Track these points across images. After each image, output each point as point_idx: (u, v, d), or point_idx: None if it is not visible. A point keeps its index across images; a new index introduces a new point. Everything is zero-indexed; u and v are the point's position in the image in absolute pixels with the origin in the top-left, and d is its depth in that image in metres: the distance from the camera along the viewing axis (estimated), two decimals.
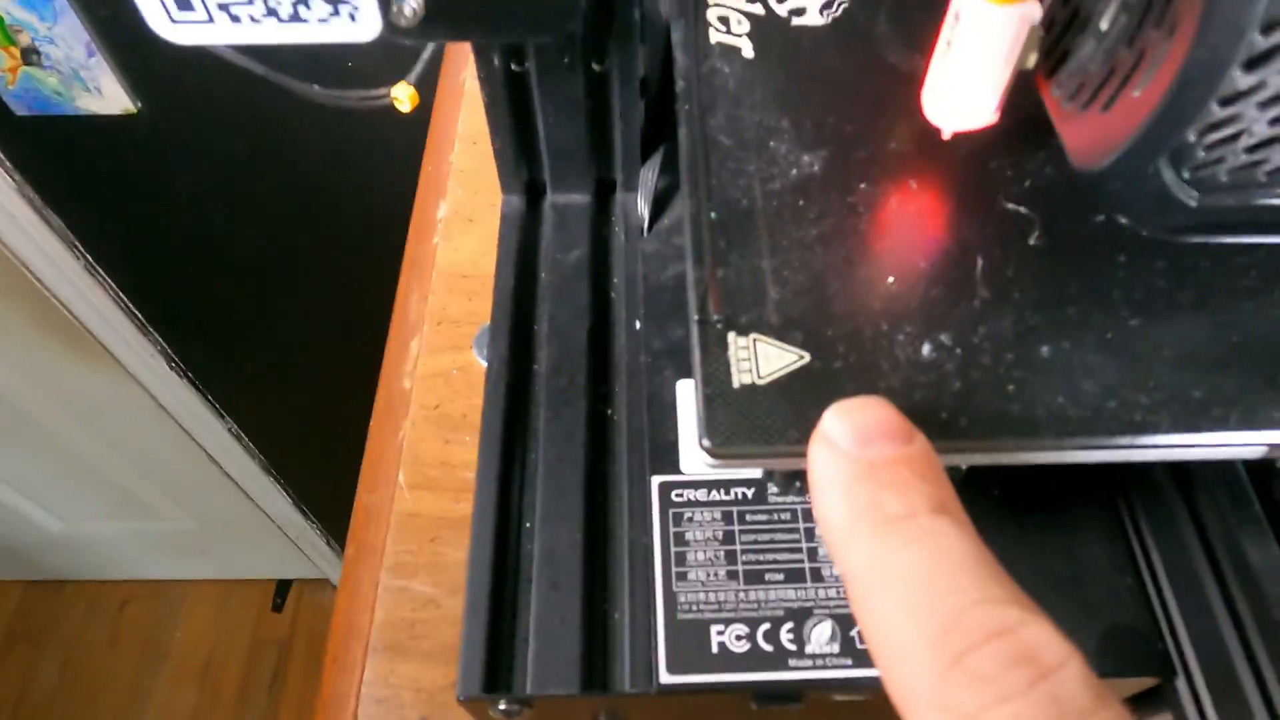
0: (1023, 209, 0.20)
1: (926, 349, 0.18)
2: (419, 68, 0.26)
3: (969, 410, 0.17)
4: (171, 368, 1.05)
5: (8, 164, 0.76)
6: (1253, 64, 0.14)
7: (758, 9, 0.24)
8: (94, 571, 1.54)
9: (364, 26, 0.19)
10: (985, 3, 0.16)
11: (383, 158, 0.65)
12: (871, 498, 0.14)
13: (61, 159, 0.77)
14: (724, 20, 0.24)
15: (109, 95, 0.70)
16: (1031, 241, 0.19)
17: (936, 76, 0.19)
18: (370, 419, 0.35)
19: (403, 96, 0.26)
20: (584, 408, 0.25)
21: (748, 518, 0.23)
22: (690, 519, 0.23)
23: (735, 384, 0.17)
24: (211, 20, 0.19)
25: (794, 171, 0.20)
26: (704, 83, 0.22)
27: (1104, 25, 0.16)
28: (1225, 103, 0.15)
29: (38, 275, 0.88)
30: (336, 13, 0.19)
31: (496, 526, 0.23)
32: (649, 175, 0.29)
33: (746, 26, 0.23)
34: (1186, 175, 0.16)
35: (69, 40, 0.65)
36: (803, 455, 0.16)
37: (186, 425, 1.16)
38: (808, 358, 0.18)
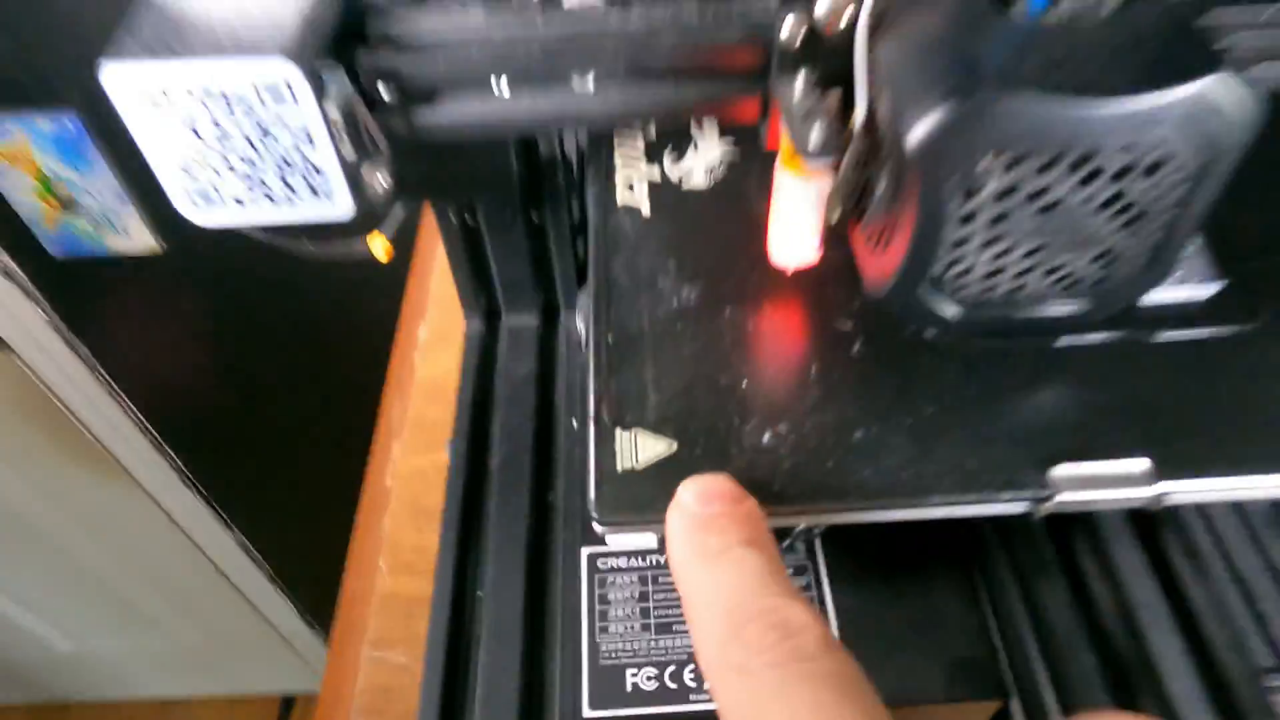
0: (849, 326, 0.25)
1: (767, 437, 0.23)
2: (395, 223, 0.33)
3: (796, 482, 0.22)
4: (183, 481, 1.10)
5: (41, 300, 0.83)
6: (965, 220, 0.20)
7: (655, 175, 0.30)
8: (99, 691, 1.54)
9: (339, 204, 0.25)
10: (792, 178, 0.23)
11: (374, 286, 0.72)
12: (702, 540, 0.19)
13: (91, 293, 0.84)
14: (629, 185, 0.30)
15: (136, 236, 0.77)
16: (854, 351, 0.25)
17: (771, 228, 0.25)
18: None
19: (378, 248, 0.32)
20: (528, 494, 0.31)
21: (660, 580, 0.28)
22: (612, 582, 0.28)
23: (619, 468, 0.23)
24: (224, 206, 0.25)
25: (675, 302, 0.26)
26: (610, 234, 0.28)
27: (880, 191, 0.22)
28: (954, 246, 0.21)
29: (62, 399, 0.95)
30: (316, 195, 0.25)
31: (453, 595, 0.28)
32: (585, 299, 0.35)
33: (646, 189, 0.30)
34: (945, 297, 0.22)
35: (104, 191, 0.73)
36: (664, 520, 0.21)
37: (195, 537, 1.21)
38: (676, 446, 0.23)
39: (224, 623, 1.40)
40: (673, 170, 0.30)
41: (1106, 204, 0.19)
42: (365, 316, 0.75)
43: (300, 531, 1.25)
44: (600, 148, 0.31)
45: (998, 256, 0.21)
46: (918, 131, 0.18)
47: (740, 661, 0.17)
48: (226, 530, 1.21)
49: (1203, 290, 0.26)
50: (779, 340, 0.25)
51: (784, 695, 0.16)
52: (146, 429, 1.01)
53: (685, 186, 0.30)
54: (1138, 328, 0.25)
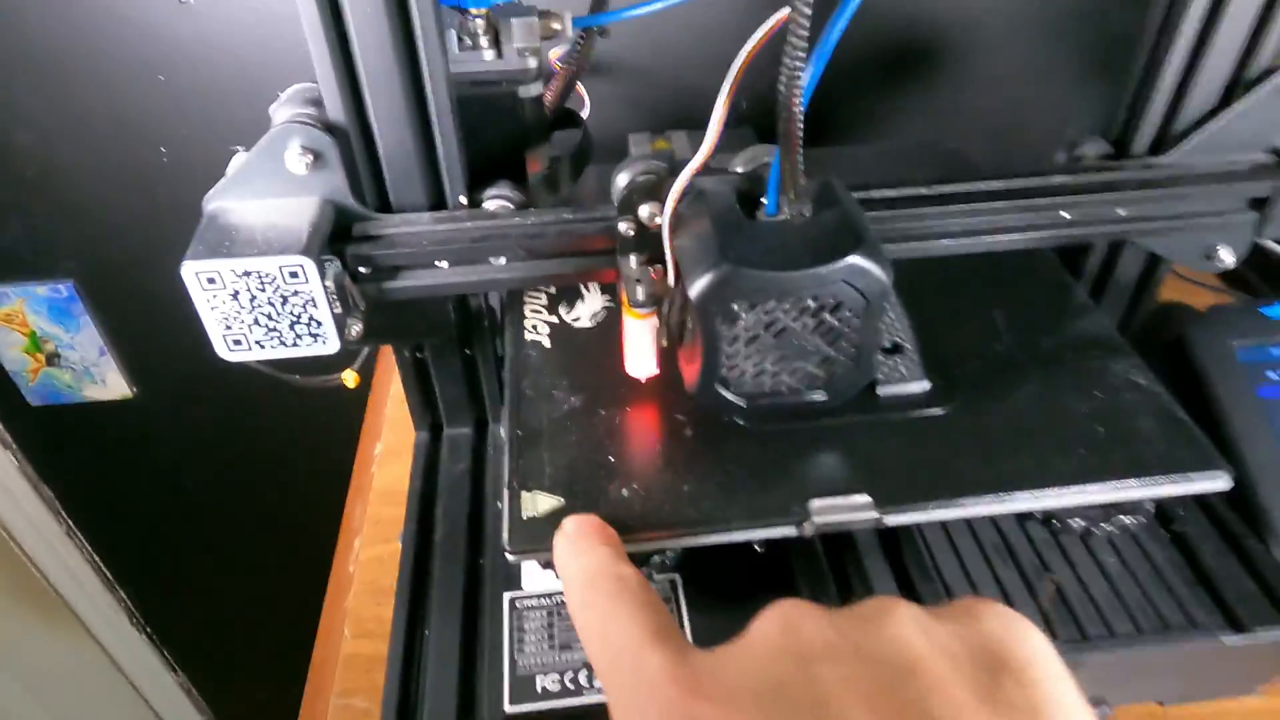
0: (683, 417, 0.37)
1: (625, 492, 0.34)
2: (361, 359, 0.44)
3: (644, 520, 0.33)
4: (131, 622, 1.13)
5: (14, 447, 0.91)
6: (732, 341, 0.32)
7: (554, 319, 0.42)
8: None
9: (330, 345, 0.36)
10: (631, 319, 0.35)
11: (336, 413, 0.82)
12: (575, 546, 0.30)
13: (63, 438, 0.92)
14: (535, 326, 0.42)
15: (111, 384, 0.87)
16: (688, 433, 0.36)
17: (624, 352, 0.37)
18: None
19: (348, 378, 0.43)
20: (464, 559, 0.41)
21: (562, 613, 0.38)
22: (528, 617, 0.38)
23: (524, 516, 0.33)
24: (250, 349, 0.36)
25: (565, 407, 0.38)
26: (519, 362, 0.40)
27: (689, 325, 0.34)
28: (730, 358, 0.33)
29: (19, 542, 1.00)
30: (315, 339, 0.36)
31: (407, 631, 0.38)
32: (507, 413, 0.46)
33: (547, 329, 0.42)
34: (733, 392, 0.34)
35: (86, 345, 0.83)
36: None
37: (138, 682, 1.22)
38: (564, 501, 0.34)
39: None
40: (567, 315, 0.42)
41: (816, 329, 0.32)
42: (317, 456, 0.84)
43: (245, 675, 1.27)
44: (515, 300, 0.43)
45: (758, 364, 0.33)
46: (695, 289, 0.31)
47: (592, 600, 0.27)
48: (171, 672, 1.23)
49: (919, 386, 0.38)
50: (636, 429, 0.37)
51: (616, 613, 0.26)
52: (100, 569, 1.06)
53: (576, 326, 0.42)
54: (878, 411, 0.37)
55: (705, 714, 0.22)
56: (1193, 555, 0.40)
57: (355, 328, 0.38)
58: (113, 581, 1.09)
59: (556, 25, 0.40)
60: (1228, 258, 0.41)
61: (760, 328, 0.32)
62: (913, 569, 0.37)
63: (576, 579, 0.28)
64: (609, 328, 0.42)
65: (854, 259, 0.30)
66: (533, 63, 0.39)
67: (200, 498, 1.01)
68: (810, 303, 0.31)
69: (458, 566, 0.40)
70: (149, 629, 1.16)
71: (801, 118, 0.30)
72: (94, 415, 0.90)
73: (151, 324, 0.84)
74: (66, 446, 0.93)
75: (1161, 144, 0.40)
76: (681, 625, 0.38)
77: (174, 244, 0.84)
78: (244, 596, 1.15)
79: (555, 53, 0.50)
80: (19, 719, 1.25)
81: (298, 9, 0.33)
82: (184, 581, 1.13)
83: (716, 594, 0.39)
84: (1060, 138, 0.78)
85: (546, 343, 0.41)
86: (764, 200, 0.33)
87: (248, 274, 0.34)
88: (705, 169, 0.33)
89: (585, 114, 0.57)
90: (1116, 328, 0.48)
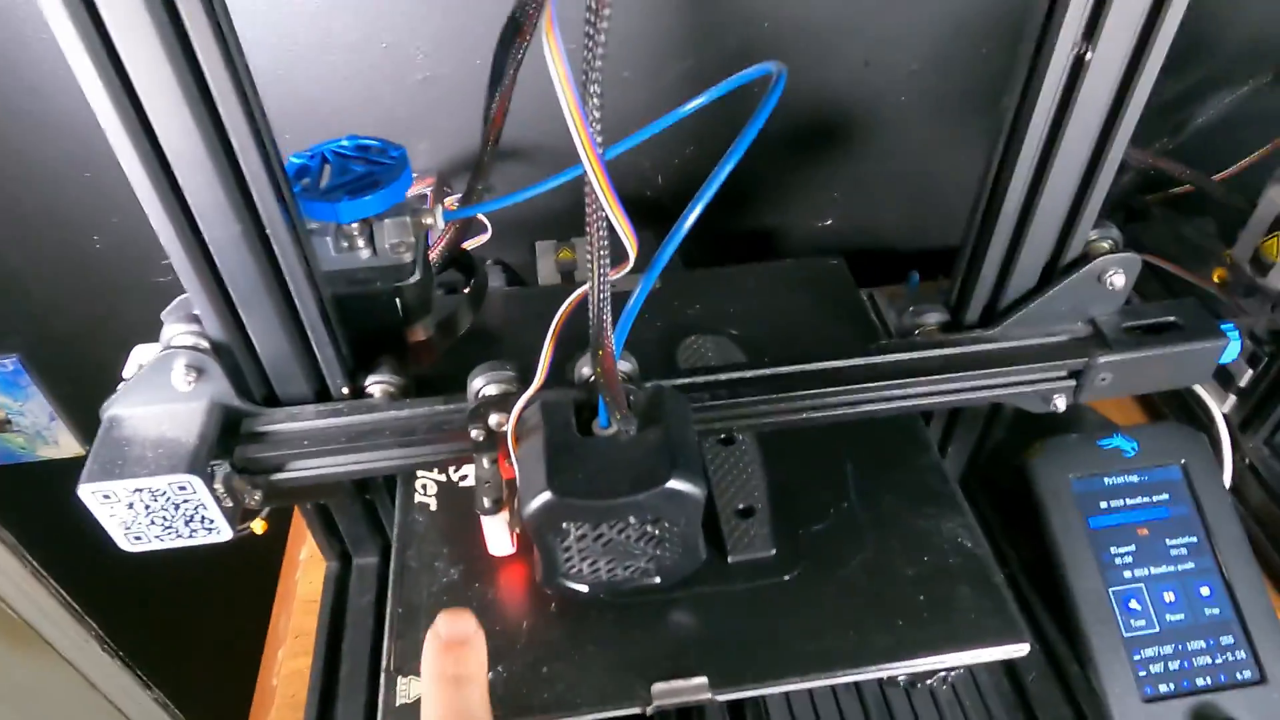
0: (550, 590, 0.41)
1: (490, 675, 0.38)
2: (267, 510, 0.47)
3: (507, 705, 0.37)
4: (103, 648, 1.18)
5: None
6: (565, 549, 0.36)
7: (441, 478, 0.46)
8: None
9: (223, 534, 0.40)
10: (484, 517, 0.38)
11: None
12: (442, 664, 0.31)
13: (21, 493, 0.95)
14: (424, 486, 0.45)
15: (64, 444, 0.90)
16: (552, 608, 0.40)
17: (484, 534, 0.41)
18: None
19: (257, 527, 0.47)
20: (364, 694, 0.45)
21: None
22: None
23: (398, 704, 0.37)
24: (150, 542, 0.39)
25: (444, 580, 0.41)
26: (406, 527, 0.44)
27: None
28: (565, 560, 0.36)
29: None
30: (209, 532, 0.40)
31: None
32: (391, 583, 0.50)
33: (435, 489, 0.45)
34: (574, 581, 0.38)
35: (36, 412, 0.85)
36: None
37: (115, 700, 1.28)
38: None
39: None
40: (455, 473, 0.46)
41: (640, 538, 0.35)
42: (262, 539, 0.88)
43: (212, 680, 1.33)
44: None
45: (592, 564, 0.37)
46: (525, 512, 0.34)
47: None
48: (144, 690, 1.28)
49: (766, 553, 0.42)
50: (505, 605, 0.41)
51: None
52: (68, 604, 1.11)
53: (461, 487, 0.45)
54: (727, 579, 0.41)
55: None
56: (1019, 683, 0.44)
57: (254, 497, 0.41)
58: (81, 613, 1.13)
59: (429, 220, 0.42)
60: (1061, 405, 0.45)
61: (589, 540, 0.36)
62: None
63: (434, 714, 0.30)
64: None
65: (669, 484, 0.33)
66: (408, 257, 0.42)
67: None
68: (632, 520, 0.35)
69: (357, 701, 0.45)
70: (120, 653, 1.21)
71: (615, 364, 0.33)
72: (50, 472, 0.93)
73: (98, 389, 0.85)
74: (25, 498, 0.97)
75: (991, 315, 0.43)
76: None
77: (112, 318, 0.85)
78: (203, 612, 1.20)
79: (450, 201, 0.52)
80: None
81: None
82: (148, 606, 1.18)
83: None
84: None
85: (433, 505, 0.45)
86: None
87: (139, 490, 0.37)
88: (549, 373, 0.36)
89: (486, 238, 0.60)
90: (975, 441, 0.52)
